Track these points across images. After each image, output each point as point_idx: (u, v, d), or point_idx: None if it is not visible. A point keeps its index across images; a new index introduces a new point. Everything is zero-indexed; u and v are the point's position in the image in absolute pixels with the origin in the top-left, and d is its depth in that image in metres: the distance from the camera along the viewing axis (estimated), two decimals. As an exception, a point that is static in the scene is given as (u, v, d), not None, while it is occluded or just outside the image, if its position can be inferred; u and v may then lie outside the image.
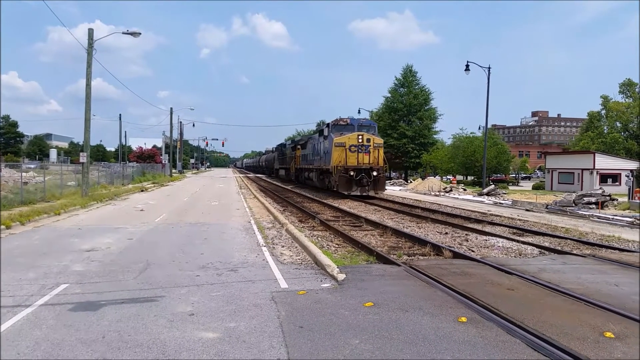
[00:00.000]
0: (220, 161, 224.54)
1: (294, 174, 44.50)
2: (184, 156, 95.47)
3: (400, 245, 12.32)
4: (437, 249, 11.12)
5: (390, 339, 5.32)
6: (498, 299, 6.86)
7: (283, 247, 11.64)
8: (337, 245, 12.20)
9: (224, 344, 5.26)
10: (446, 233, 14.29)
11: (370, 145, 27.59)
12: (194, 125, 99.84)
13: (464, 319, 5.97)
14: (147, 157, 71.75)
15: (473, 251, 11.43)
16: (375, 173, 27.19)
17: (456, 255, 10.57)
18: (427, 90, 65.03)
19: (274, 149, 67.95)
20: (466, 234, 13.99)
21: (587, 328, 5.66)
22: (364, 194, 27.35)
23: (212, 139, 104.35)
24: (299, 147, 42.16)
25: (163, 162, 68.23)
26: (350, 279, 8.08)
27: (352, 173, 26.72)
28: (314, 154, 34.24)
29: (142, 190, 33.95)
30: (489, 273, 8.72)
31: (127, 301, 6.88)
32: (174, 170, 70.85)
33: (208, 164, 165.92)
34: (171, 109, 64.70)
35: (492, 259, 10.31)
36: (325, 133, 30.31)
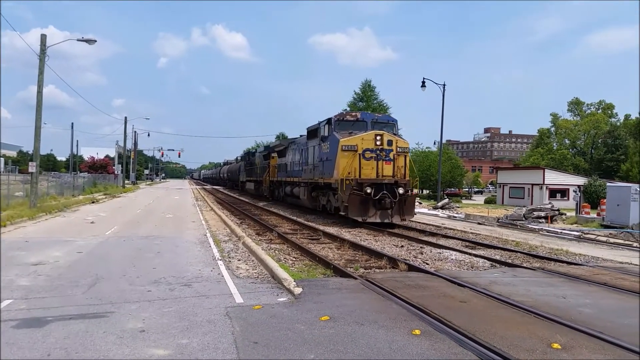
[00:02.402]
0: (176, 172, 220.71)
1: (268, 188, 36.98)
2: (138, 167, 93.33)
3: (357, 258, 12.39)
4: (393, 262, 11.24)
5: (345, 353, 5.32)
6: (451, 311, 6.98)
7: (239, 260, 11.49)
8: (294, 259, 12.15)
9: (176, 361, 5.13)
10: (402, 246, 14.46)
11: (392, 150, 20.00)
12: (149, 135, 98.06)
13: (417, 332, 6.03)
14: (99, 167, 69.62)
15: (427, 264, 11.61)
16: (401, 190, 19.34)
17: (411, 268, 10.71)
18: (385, 105, 66.09)
19: (240, 158, 60.74)
20: (421, 247, 14.20)
21: (536, 339, 5.82)
22: (386, 220, 19.39)
23: (168, 150, 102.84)
24: (274, 155, 34.74)
25: (116, 172, 66.46)
26: (307, 292, 8.05)
27: (368, 190, 18.92)
28: (301, 162, 26.49)
29: (93, 202, 32.94)
30: (443, 285, 8.87)
31: (75, 317, 6.62)
32: (127, 181, 69.09)
33: (163, 175, 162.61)
34: (125, 118, 63.21)
35: (446, 271, 10.49)
36: (324, 132, 22.17)
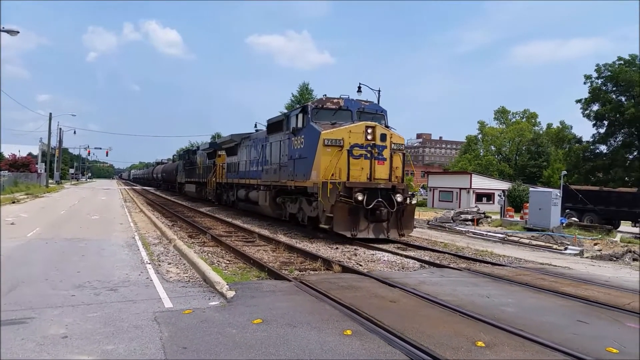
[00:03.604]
0: (103, 172, 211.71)
1: (214, 191, 32.32)
2: (62, 166, 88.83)
3: (292, 260, 12.39)
4: (328, 264, 11.33)
5: (276, 356, 5.30)
6: (381, 311, 7.13)
7: (170, 264, 11.19)
8: (228, 262, 11.98)
9: (100, 368, 4.92)
10: (337, 248, 14.60)
11: (386, 147, 16.37)
12: (75, 132, 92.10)
13: (349, 332, 6.11)
14: (21, 165, 65.67)
15: (361, 265, 11.80)
16: (399, 198, 15.90)
17: (345, 269, 10.84)
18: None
19: (178, 157, 55.51)
20: (355, 249, 14.39)
21: (461, 338, 6.05)
22: (381, 236, 15.80)
23: (95, 148, 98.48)
24: (221, 152, 30.83)
25: (39, 171, 62.93)
26: (240, 295, 7.96)
27: (360, 197, 15.22)
28: (260, 161, 22.49)
29: (13, 202, 31.00)
30: (375, 286, 9.04)
31: (-12, 325, 6.20)
32: (51, 181, 65.63)
33: (90, 174, 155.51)
34: (50, 114, 60.06)
35: (378, 272, 10.70)
36: (297, 123, 17.84)
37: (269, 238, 16.00)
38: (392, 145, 16.55)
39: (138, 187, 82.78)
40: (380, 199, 15.51)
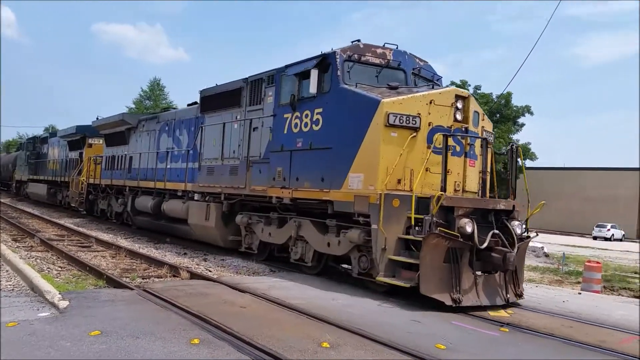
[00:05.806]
0: None
1: (83, 195, 23.24)
2: None
3: (134, 267, 11.74)
4: (175, 270, 10.93)
5: (117, 369, 4.94)
6: (231, 317, 7.05)
7: (-11, 271, 9.86)
8: (60, 268, 10.97)
9: None
10: (185, 253, 14.12)
11: (478, 135, 9.86)
12: None
13: (196, 341, 5.93)
14: None
15: (210, 271, 11.56)
16: (518, 229, 9.00)
17: (193, 275, 10.54)
18: (174, 105, 64.14)
19: (17, 147, 45.60)
20: (205, 254, 14.03)
21: (308, 340, 6.21)
22: (498, 300, 8.58)
23: None
24: (94, 141, 23.85)
25: None
26: (75, 306, 7.28)
27: (469, 228, 8.08)
28: (190, 155, 14.80)
29: None
30: (225, 292, 8.92)
31: None
32: None
33: None
34: None
35: (228, 278, 10.56)
36: (308, 88, 10.10)
37: (109, 243, 14.94)
38: (484, 133, 10.18)
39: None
40: (497, 232, 8.79)
